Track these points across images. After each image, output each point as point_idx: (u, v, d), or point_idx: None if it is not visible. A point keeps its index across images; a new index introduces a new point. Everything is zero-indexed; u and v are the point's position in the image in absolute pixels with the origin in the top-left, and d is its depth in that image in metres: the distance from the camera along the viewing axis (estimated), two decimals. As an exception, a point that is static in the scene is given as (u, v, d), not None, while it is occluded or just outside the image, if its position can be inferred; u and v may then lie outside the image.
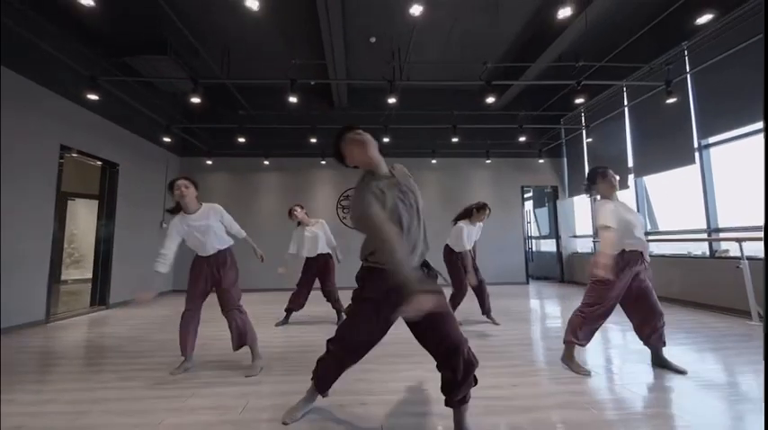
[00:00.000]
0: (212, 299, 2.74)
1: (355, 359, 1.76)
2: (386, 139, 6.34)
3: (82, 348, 3.27)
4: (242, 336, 2.57)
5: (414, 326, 1.58)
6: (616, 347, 3.13)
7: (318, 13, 4.38)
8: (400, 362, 2.67)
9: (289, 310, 4.05)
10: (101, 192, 5.43)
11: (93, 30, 4.81)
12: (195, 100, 4.53)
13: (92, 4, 2.59)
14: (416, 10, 2.66)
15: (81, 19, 4.53)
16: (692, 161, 4.82)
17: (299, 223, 4.13)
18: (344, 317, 3.79)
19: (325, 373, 1.83)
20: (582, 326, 2.48)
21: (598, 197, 2.62)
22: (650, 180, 5.89)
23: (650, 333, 2.48)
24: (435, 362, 1.58)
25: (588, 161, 7.07)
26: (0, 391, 2.20)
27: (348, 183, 7.51)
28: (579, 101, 4.91)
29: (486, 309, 3.92)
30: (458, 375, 1.51)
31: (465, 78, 5.74)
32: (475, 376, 1.57)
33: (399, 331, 1.71)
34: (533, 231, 9.51)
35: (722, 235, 4.55)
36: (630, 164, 5.94)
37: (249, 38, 5.51)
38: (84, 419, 1.87)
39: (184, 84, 5.81)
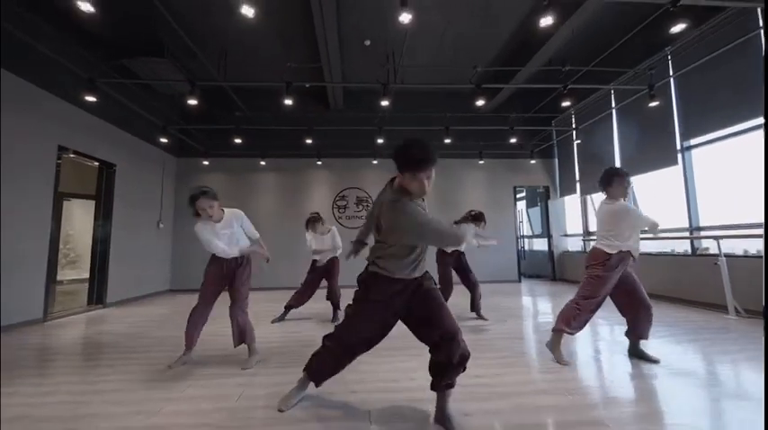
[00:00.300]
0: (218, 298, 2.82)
1: (351, 357, 1.87)
2: (380, 140, 6.45)
3: (80, 345, 3.35)
4: (242, 334, 2.67)
5: (411, 318, 1.75)
6: (600, 340, 3.25)
7: (314, 17, 4.49)
8: (391, 355, 2.77)
9: (288, 307, 4.13)
10: (98, 193, 5.49)
11: (91, 32, 4.88)
12: (192, 102, 4.61)
13: (91, 9, 2.67)
14: (405, 18, 2.77)
15: (79, 22, 4.59)
16: (675, 162, 4.98)
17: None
18: (341, 314, 3.93)
19: (321, 368, 1.92)
20: (576, 317, 2.61)
21: (603, 196, 2.70)
22: (637, 180, 6.04)
23: (644, 325, 2.60)
24: (427, 352, 1.73)
25: (578, 162, 7.22)
26: (0, 382, 2.28)
27: (344, 183, 7.62)
28: (566, 104, 5.05)
29: (475, 308, 4.06)
30: (453, 360, 1.64)
31: (457, 81, 5.86)
32: (465, 366, 1.70)
33: (397, 325, 1.82)
34: (526, 230, 9.66)
35: (703, 233, 4.70)
36: (618, 164, 6.09)
37: (246, 41, 5.60)
38: (85, 408, 1.96)
39: (182, 86, 5.90)
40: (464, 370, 1.71)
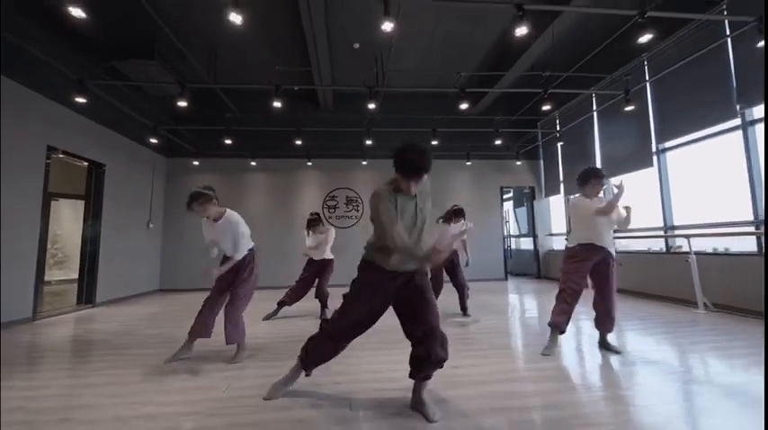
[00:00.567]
0: (198, 297, 2.90)
1: (345, 340, 1.96)
2: (368, 142, 6.58)
3: (71, 342, 3.41)
4: (232, 334, 2.72)
5: (401, 312, 1.88)
6: (582, 334, 3.43)
7: (302, 20, 4.59)
8: (375, 348, 2.90)
9: (281, 304, 4.23)
10: (87, 193, 5.51)
11: (81, 35, 4.91)
12: (182, 104, 4.68)
13: (83, 15, 2.74)
14: (388, 27, 2.90)
15: (70, 25, 4.62)
16: (651, 164, 5.19)
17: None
18: (328, 313, 4.06)
19: (317, 352, 2.00)
20: (554, 308, 2.82)
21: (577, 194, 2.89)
22: (616, 181, 6.25)
23: (605, 320, 2.78)
24: (408, 347, 1.86)
25: (562, 163, 7.43)
26: (0, 377, 2.35)
27: (334, 184, 7.72)
28: (546, 108, 5.24)
29: (463, 307, 4.22)
30: (431, 357, 1.77)
31: (444, 85, 6.02)
32: (444, 362, 1.83)
33: (379, 322, 1.95)
34: (514, 230, 9.88)
35: (677, 232, 4.93)
36: (599, 165, 6.30)
37: (236, 44, 5.68)
38: (78, 400, 2.05)
39: (172, 87, 5.94)
40: (441, 367, 1.84)
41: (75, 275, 5.52)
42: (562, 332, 2.83)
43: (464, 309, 4.23)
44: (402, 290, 1.85)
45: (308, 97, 7.52)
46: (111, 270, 5.65)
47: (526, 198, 8.82)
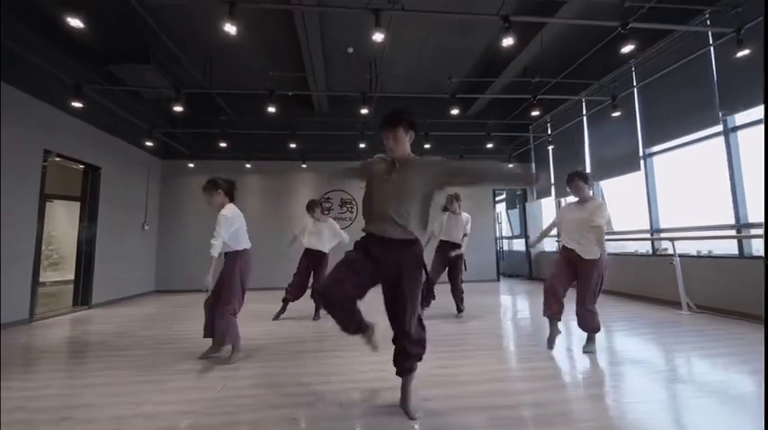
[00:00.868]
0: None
1: (329, 295, 1.78)
2: (362, 145, 6.66)
3: (68, 343, 3.47)
4: (222, 336, 2.75)
5: (386, 307, 1.92)
6: (572, 335, 3.54)
7: (297, 28, 4.67)
8: (365, 351, 2.97)
9: (286, 301, 4.30)
10: (83, 195, 5.55)
11: (78, 40, 4.94)
12: (178, 108, 4.74)
13: (81, 26, 2.80)
14: (379, 37, 2.98)
15: (66, 31, 4.66)
16: (638, 168, 5.33)
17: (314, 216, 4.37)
18: (323, 314, 4.15)
19: (338, 320, 1.89)
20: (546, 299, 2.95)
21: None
22: (605, 184, 6.40)
23: (579, 317, 2.89)
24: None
25: (553, 166, 7.56)
26: (0, 377, 2.41)
27: (328, 186, 7.79)
28: (535, 113, 5.37)
29: (458, 309, 4.31)
30: (407, 351, 1.90)
31: (436, 90, 6.11)
32: (420, 356, 1.94)
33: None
34: (506, 231, 10.01)
35: (662, 235, 5.06)
36: (588, 169, 6.43)
37: (231, 48, 5.72)
38: (77, 400, 2.12)
39: (168, 90, 5.99)
40: (419, 360, 1.95)
41: (70, 276, 5.55)
42: (555, 320, 2.94)
43: (460, 310, 4.31)
44: (382, 259, 1.82)
45: (303, 101, 7.59)
46: (107, 271, 5.69)
47: (518, 200, 8.94)
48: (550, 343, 2.88)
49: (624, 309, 4.65)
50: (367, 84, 5.71)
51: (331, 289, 1.79)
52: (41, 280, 7.49)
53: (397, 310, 1.88)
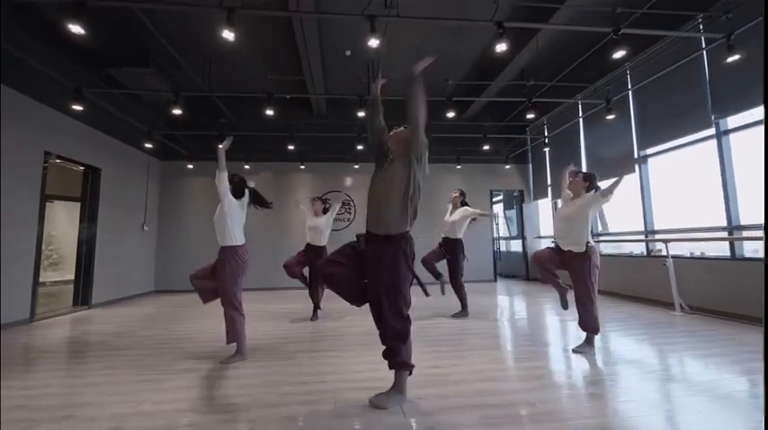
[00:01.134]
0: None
1: (325, 275, 2.11)
2: (360, 147, 6.71)
3: (69, 343, 3.52)
4: (228, 333, 2.82)
5: (372, 309, 2.06)
6: (569, 335, 3.60)
7: (296, 36, 4.72)
8: (360, 350, 3.04)
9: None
10: (83, 196, 5.60)
11: (78, 45, 4.99)
12: (177, 111, 4.79)
13: (81, 32, 2.85)
14: (374, 43, 3.04)
15: (67, 36, 4.70)
16: (633, 170, 5.38)
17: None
18: (320, 314, 4.20)
19: (341, 294, 2.15)
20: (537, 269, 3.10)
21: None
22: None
23: (580, 317, 2.94)
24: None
25: (550, 167, 7.62)
26: (0, 375, 2.46)
27: (327, 187, 7.85)
28: (531, 116, 5.42)
29: (463, 305, 4.40)
30: (386, 343, 2.03)
31: (433, 93, 6.15)
32: (403, 351, 2.02)
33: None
34: (504, 232, 10.07)
35: (656, 236, 5.12)
36: (584, 170, 6.49)
37: (229, 52, 5.77)
38: (78, 398, 2.17)
39: (167, 93, 6.04)
40: (397, 354, 2.02)
41: (70, 276, 5.60)
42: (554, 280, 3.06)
43: (464, 307, 4.38)
44: (366, 263, 2.04)
45: (302, 103, 7.64)
46: (107, 272, 5.74)
47: (515, 201, 9.00)
48: (564, 302, 3.01)
49: (619, 309, 4.70)
50: (364, 87, 5.75)
51: (326, 266, 2.12)
52: (41, 280, 7.55)
53: (374, 302, 2.02)
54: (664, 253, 4.68)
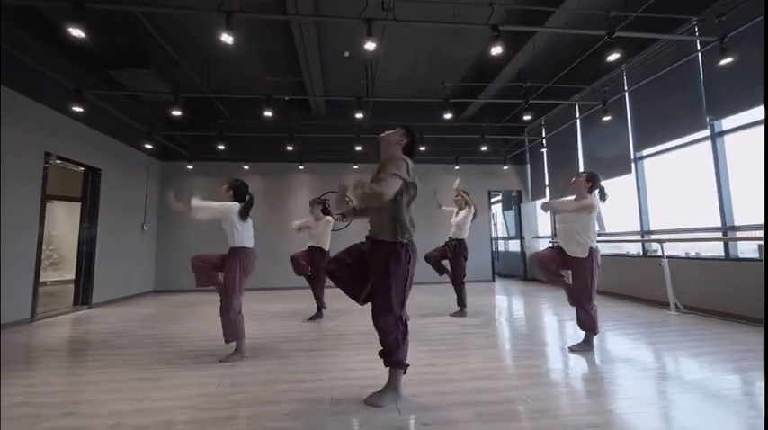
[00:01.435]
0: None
1: (330, 271, 2.21)
2: (358, 148, 6.76)
3: (70, 342, 3.55)
4: (227, 333, 2.85)
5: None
6: (562, 334, 3.63)
7: (294, 36, 4.75)
8: (357, 349, 3.08)
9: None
10: (83, 196, 5.63)
11: (79, 47, 5.01)
12: (176, 112, 4.82)
13: (82, 35, 2.88)
14: (371, 46, 3.08)
15: (67, 38, 4.74)
16: (629, 171, 5.42)
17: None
18: (324, 313, 4.23)
19: (344, 289, 2.23)
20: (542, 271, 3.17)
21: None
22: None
23: (577, 316, 2.99)
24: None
25: (548, 168, 7.66)
26: (0, 372, 2.49)
27: (325, 187, 7.86)
28: (528, 117, 5.47)
29: (460, 302, 4.49)
30: (388, 348, 2.06)
31: (430, 95, 6.22)
32: (398, 350, 2.05)
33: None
34: (503, 232, 10.11)
35: (652, 237, 5.16)
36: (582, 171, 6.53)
37: (229, 55, 5.80)
38: (80, 396, 2.21)
39: (167, 94, 6.08)
40: (387, 355, 2.06)
41: (70, 276, 5.63)
42: (559, 278, 3.11)
43: (462, 304, 4.45)
44: (367, 256, 2.12)
45: (301, 103, 7.68)
46: (107, 272, 5.77)
47: (514, 201, 9.05)
48: (571, 299, 3.05)
49: (615, 309, 4.74)
50: (363, 89, 5.79)
51: (330, 262, 2.26)
52: (42, 279, 7.59)
53: (371, 302, 2.10)
54: (659, 253, 4.73)
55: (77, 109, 4.42)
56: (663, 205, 5.15)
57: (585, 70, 5.72)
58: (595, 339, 3.03)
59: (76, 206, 5.77)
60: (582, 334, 3.03)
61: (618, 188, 5.97)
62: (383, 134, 2.26)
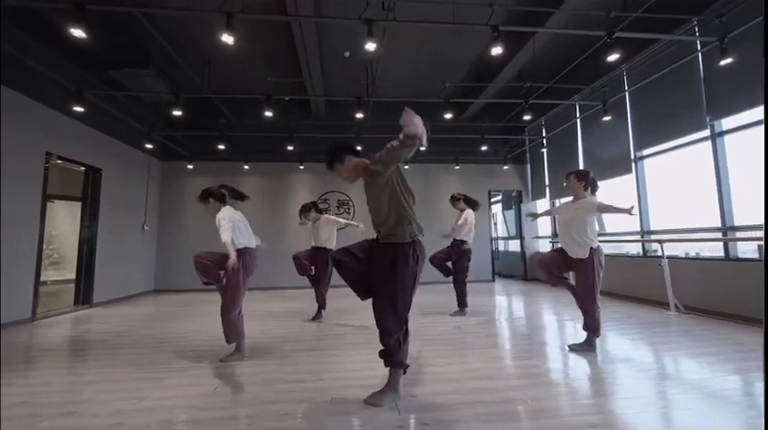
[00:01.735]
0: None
1: (336, 264, 2.22)
2: (359, 148, 6.74)
3: (70, 342, 3.56)
4: (228, 334, 2.86)
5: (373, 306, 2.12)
6: (563, 335, 3.63)
7: (294, 36, 4.75)
8: (357, 349, 3.08)
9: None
10: (84, 196, 5.64)
11: (79, 47, 5.02)
12: (177, 112, 4.83)
13: (83, 36, 2.89)
14: (371, 47, 3.08)
15: (67, 38, 4.74)
16: (630, 171, 5.42)
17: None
18: (324, 314, 4.23)
19: (348, 281, 2.23)
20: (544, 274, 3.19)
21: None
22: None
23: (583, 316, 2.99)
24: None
25: (548, 168, 7.66)
26: (0, 372, 2.50)
27: (325, 187, 7.90)
28: (528, 117, 5.47)
29: (459, 304, 4.51)
30: (388, 348, 2.06)
31: (431, 95, 6.21)
32: (398, 351, 2.05)
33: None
34: (503, 232, 10.11)
35: (652, 237, 5.16)
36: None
37: (229, 54, 5.80)
38: (80, 396, 2.21)
39: (167, 94, 6.08)
40: (387, 355, 2.07)
41: (70, 276, 5.63)
42: (563, 281, 3.13)
43: (462, 304, 4.47)
44: (373, 256, 2.14)
45: (301, 103, 7.68)
46: (108, 271, 5.78)
47: (514, 201, 9.04)
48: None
49: (615, 309, 4.74)
50: (363, 89, 5.79)
51: (339, 253, 2.25)
52: (43, 279, 7.59)
53: (378, 313, 2.07)
54: (659, 253, 4.73)
55: (78, 109, 4.43)
56: (663, 205, 5.15)
57: (585, 70, 5.72)
58: (605, 338, 3.04)
59: (77, 206, 5.78)
60: (584, 333, 3.03)
61: (618, 188, 5.97)
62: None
